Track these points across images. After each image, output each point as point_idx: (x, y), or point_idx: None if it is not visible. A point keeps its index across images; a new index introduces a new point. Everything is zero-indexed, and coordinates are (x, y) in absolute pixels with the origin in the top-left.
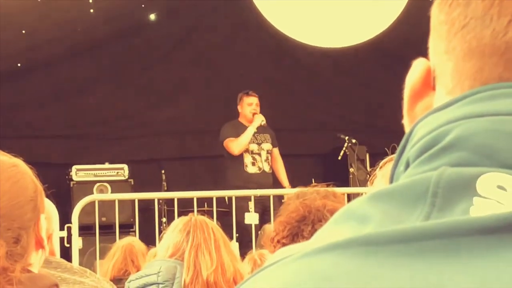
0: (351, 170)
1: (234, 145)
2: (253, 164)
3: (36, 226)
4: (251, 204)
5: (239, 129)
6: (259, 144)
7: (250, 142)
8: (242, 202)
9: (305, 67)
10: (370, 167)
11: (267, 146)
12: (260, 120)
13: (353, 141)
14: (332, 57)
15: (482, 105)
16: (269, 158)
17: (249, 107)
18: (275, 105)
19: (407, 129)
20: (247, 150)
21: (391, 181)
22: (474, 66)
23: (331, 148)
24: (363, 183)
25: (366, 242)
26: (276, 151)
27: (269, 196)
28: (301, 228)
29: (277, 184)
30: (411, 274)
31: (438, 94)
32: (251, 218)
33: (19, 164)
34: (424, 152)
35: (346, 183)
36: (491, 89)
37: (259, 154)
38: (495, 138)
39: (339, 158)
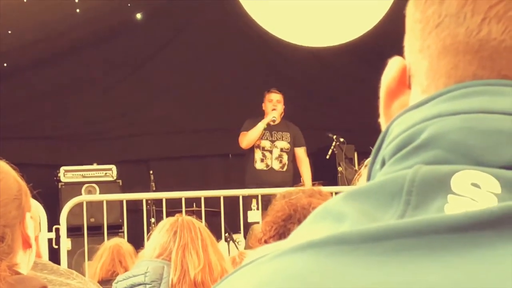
0: (340, 169)
1: (243, 139)
2: (262, 160)
3: (21, 225)
4: (254, 202)
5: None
6: (272, 141)
7: (263, 138)
8: (247, 200)
9: (292, 66)
10: (359, 166)
11: (282, 144)
12: (271, 116)
13: (341, 140)
14: (319, 56)
15: (456, 103)
16: (284, 156)
17: (270, 103)
18: (262, 103)
19: (383, 128)
20: (258, 146)
21: (368, 179)
22: (449, 64)
23: (319, 147)
24: (351, 182)
25: (340, 241)
26: (300, 150)
27: (273, 195)
28: (288, 227)
29: (295, 183)
30: (385, 272)
31: (413, 92)
32: (254, 216)
33: (1, 164)
34: (399, 150)
35: (334, 182)
36: (465, 87)
37: (271, 152)
38: (469, 136)
39: (327, 157)
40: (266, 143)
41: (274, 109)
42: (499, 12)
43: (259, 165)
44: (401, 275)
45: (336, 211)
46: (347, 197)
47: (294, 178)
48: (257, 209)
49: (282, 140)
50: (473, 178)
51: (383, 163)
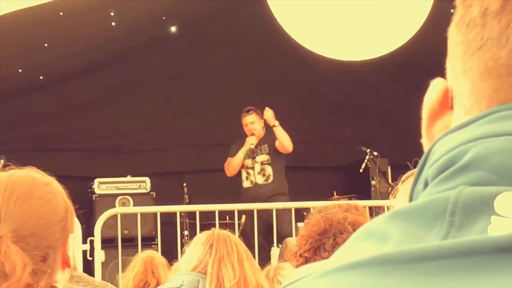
0: (373, 183)
1: (228, 170)
2: (247, 178)
3: (64, 246)
4: (243, 219)
5: (243, 145)
6: (253, 158)
7: (246, 157)
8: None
9: (327, 80)
10: (392, 180)
11: (261, 158)
12: (249, 144)
13: (375, 153)
14: (353, 70)
15: (499, 124)
16: (267, 168)
17: (245, 128)
18: (296, 117)
19: (425, 148)
20: (242, 166)
21: (410, 199)
22: (491, 86)
23: (352, 160)
24: (385, 196)
25: (385, 261)
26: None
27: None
28: (323, 241)
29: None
30: None
31: (456, 113)
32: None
33: (52, 182)
34: (442, 171)
35: (367, 196)
36: (508, 109)
37: (253, 168)
38: None
39: (361, 170)
40: (248, 162)
41: (252, 134)
42: None
43: (245, 183)
44: None
45: (379, 231)
46: (391, 217)
47: (286, 185)
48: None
49: (261, 153)
50: None
51: (426, 184)
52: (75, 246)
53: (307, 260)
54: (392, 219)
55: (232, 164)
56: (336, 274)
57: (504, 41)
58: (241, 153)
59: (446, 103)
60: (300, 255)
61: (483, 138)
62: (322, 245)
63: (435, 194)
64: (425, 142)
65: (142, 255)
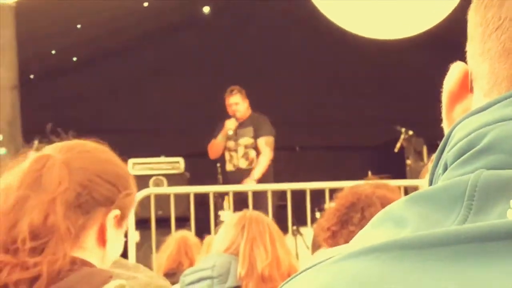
0: (408, 162)
1: (210, 152)
2: (230, 161)
3: (105, 216)
4: (226, 201)
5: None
6: (236, 140)
7: (228, 138)
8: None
9: (362, 59)
10: (427, 159)
11: (245, 141)
12: (227, 129)
13: (410, 133)
14: (388, 49)
15: None
16: (251, 152)
17: (229, 108)
18: (332, 97)
19: (446, 132)
20: (225, 148)
21: (430, 183)
22: (510, 67)
23: (387, 139)
24: (419, 177)
25: (403, 246)
26: (259, 141)
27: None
28: (350, 215)
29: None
30: (447, 278)
31: (475, 96)
32: (226, 216)
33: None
34: (461, 154)
35: (403, 176)
36: None
37: (236, 151)
38: None
39: (396, 150)
40: (231, 144)
41: (234, 115)
42: None
43: (228, 167)
44: (464, 280)
45: (397, 215)
46: (409, 201)
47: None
48: (229, 208)
49: (245, 136)
50: None
51: (445, 168)
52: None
53: (334, 234)
54: (410, 203)
55: (212, 148)
56: (353, 259)
57: None
58: (220, 138)
59: (466, 86)
60: (328, 228)
61: (502, 121)
62: (349, 218)
63: (453, 177)
64: (445, 126)
65: (176, 236)
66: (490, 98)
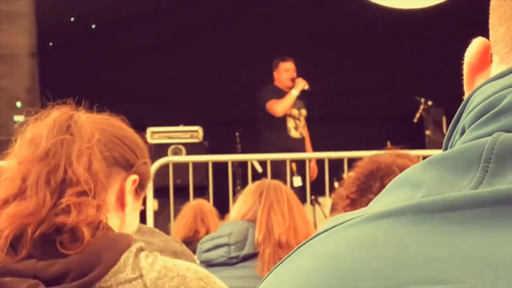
0: (427, 132)
1: (279, 106)
2: (296, 129)
3: (124, 181)
4: (294, 167)
5: (280, 94)
6: (298, 109)
7: (292, 106)
8: (283, 166)
9: (381, 31)
10: (447, 129)
11: (304, 112)
12: (303, 84)
13: (429, 103)
14: (406, 19)
15: None
16: (305, 124)
17: (287, 73)
18: (351, 67)
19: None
20: (290, 114)
21: (445, 148)
22: None
23: (407, 110)
24: (440, 146)
25: (417, 210)
26: None
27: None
28: (370, 183)
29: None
30: (462, 241)
31: (494, 62)
32: (297, 181)
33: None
34: (479, 117)
35: (422, 147)
36: None
37: (299, 119)
38: None
39: (415, 120)
40: (295, 112)
41: (293, 78)
42: None
43: (294, 134)
44: (479, 244)
45: (413, 178)
46: (425, 164)
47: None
48: (297, 174)
49: (303, 108)
50: None
51: (463, 132)
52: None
53: (353, 202)
54: (427, 167)
55: (287, 103)
56: (369, 223)
57: None
58: (296, 92)
59: (486, 58)
60: (347, 197)
61: None
62: (369, 187)
63: (471, 140)
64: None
65: (192, 204)
66: (508, 62)
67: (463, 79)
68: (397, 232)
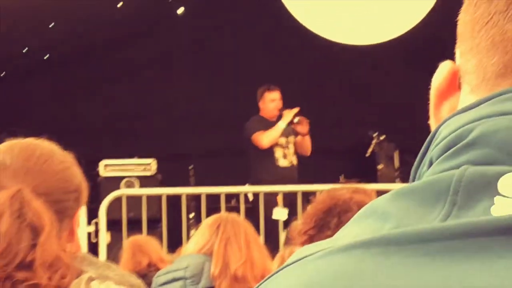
0: (380, 167)
1: (264, 139)
2: (285, 157)
3: (73, 219)
4: (280, 199)
5: (266, 124)
6: (286, 136)
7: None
8: (270, 197)
9: (335, 63)
10: (399, 164)
11: (293, 139)
12: (290, 116)
13: (382, 137)
14: (362, 53)
15: (506, 104)
16: (295, 151)
17: (272, 103)
18: (304, 101)
19: (432, 129)
20: (277, 144)
21: (412, 180)
22: (498, 63)
23: (359, 144)
24: (392, 180)
25: (387, 242)
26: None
27: (295, 193)
28: (327, 220)
29: (302, 178)
30: (431, 273)
31: (462, 92)
32: (280, 213)
33: (69, 155)
34: (447, 150)
35: (374, 180)
36: None
37: (288, 147)
38: None
39: (368, 154)
40: (282, 140)
41: (280, 108)
42: None
43: (283, 162)
44: (447, 277)
45: (381, 209)
46: (394, 195)
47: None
48: (283, 206)
49: (292, 134)
50: None
51: (430, 164)
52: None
53: (311, 238)
54: (395, 198)
55: (273, 135)
56: (337, 255)
57: (511, 13)
58: (283, 124)
59: (454, 84)
60: (305, 233)
61: (489, 117)
62: (326, 223)
63: (438, 172)
64: (432, 123)
65: (127, 241)
66: (477, 94)
67: (417, 113)
68: (366, 264)
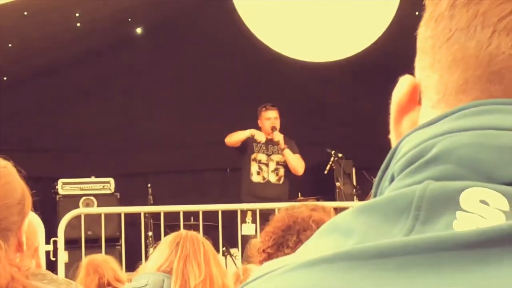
0: (338, 184)
1: (228, 136)
2: (258, 173)
3: (19, 230)
4: (249, 215)
5: (253, 141)
6: (268, 155)
7: (259, 151)
8: (242, 213)
9: (290, 81)
10: (357, 181)
11: (278, 157)
12: (257, 134)
13: (340, 155)
14: (317, 71)
15: (467, 120)
16: (281, 170)
17: (268, 121)
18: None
19: (393, 144)
20: (254, 159)
21: (374, 195)
22: (459, 79)
23: (317, 162)
24: (350, 198)
25: (349, 257)
26: (297, 156)
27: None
28: (286, 237)
29: (290, 197)
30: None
31: (423, 108)
32: (248, 229)
33: (9, 165)
34: (409, 165)
35: (332, 198)
36: (477, 106)
37: (267, 165)
38: (479, 151)
39: (326, 172)
40: (262, 157)
41: (274, 126)
42: (508, 25)
43: (255, 178)
44: None
45: (344, 225)
46: (356, 211)
47: (289, 192)
48: (252, 222)
49: (278, 153)
50: (481, 195)
51: (392, 179)
52: (39, 244)
53: (270, 256)
54: (357, 214)
55: (236, 137)
56: (301, 270)
57: (472, 31)
58: (248, 133)
59: (414, 98)
60: (263, 251)
61: (450, 133)
62: (285, 241)
63: (401, 188)
64: (393, 138)
65: (84, 260)
66: (438, 109)
67: (374, 130)
68: (330, 279)
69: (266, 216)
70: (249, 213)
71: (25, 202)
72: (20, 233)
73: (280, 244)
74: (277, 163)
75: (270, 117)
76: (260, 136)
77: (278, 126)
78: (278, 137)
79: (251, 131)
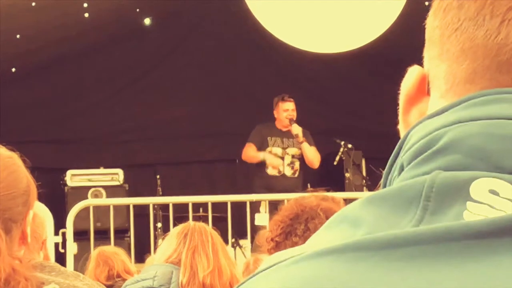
0: (347, 175)
1: (245, 153)
2: (274, 167)
3: (23, 221)
4: (263, 205)
5: (271, 132)
6: (284, 148)
7: (275, 145)
8: (255, 204)
9: (300, 71)
10: (366, 172)
11: (293, 150)
12: (295, 131)
13: (349, 146)
14: (328, 62)
15: (475, 109)
16: (296, 163)
17: (285, 113)
18: (269, 108)
19: (402, 135)
20: (270, 153)
21: (384, 186)
22: (468, 68)
23: (327, 153)
24: (359, 188)
25: (359, 247)
26: (313, 148)
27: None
28: (294, 226)
29: (304, 189)
30: (402, 278)
31: (432, 97)
32: (262, 219)
33: (15, 156)
34: (418, 156)
35: (341, 189)
36: (485, 95)
37: (282, 158)
38: (489, 141)
39: (335, 163)
40: (277, 150)
41: (291, 118)
42: None
43: (271, 171)
44: (419, 281)
45: (353, 216)
46: (365, 202)
47: (303, 184)
48: (265, 212)
49: (293, 146)
50: (491, 185)
51: (401, 169)
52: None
53: (278, 245)
54: (366, 204)
55: (252, 159)
56: (310, 260)
57: (480, 20)
58: (262, 156)
59: (422, 89)
60: (272, 239)
61: (459, 123)
62: (293, 230)
63: (410, 178)
64: (401, 128)
65: (93, 252)
66: (447, 99)
67: (384, 121)
68: (339, 270)
69: (277, 207)
70: (263, 203)
71: (30, 193)
72: (25, 224)
73: (288, 233)
74: (293, 156)
75: (288, 108)
76: (272, 162)
77: (295, 118)
78: (297, 130)
79: (264, 156)
